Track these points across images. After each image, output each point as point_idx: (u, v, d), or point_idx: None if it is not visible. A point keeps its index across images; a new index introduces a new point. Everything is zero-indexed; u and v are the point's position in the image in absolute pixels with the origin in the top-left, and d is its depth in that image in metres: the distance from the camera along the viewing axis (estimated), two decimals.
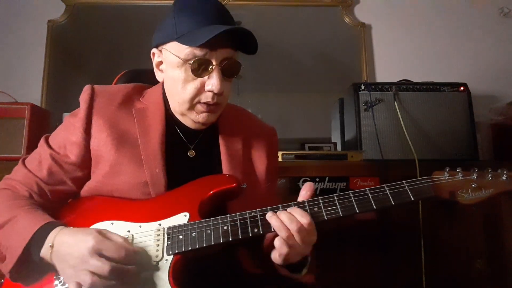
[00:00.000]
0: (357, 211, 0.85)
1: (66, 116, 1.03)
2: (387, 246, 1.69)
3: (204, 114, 0.98)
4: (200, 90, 0.94)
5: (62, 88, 2.31)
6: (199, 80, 0.93)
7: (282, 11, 2.50)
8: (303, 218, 0.83)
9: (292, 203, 0.88)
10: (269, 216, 0.84)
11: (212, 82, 0.92)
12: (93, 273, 0.76)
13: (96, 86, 1.03)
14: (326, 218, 0.85)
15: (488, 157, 2.16)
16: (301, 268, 0.91)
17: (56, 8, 2.40)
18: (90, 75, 2.38)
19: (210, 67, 0.92)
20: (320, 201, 0.86)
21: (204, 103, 0.96)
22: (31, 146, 1.77)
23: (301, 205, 0.86)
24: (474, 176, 0.86)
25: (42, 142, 1.01)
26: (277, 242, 0.83)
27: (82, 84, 1.05)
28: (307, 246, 0.85)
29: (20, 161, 1.00)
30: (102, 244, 0.79)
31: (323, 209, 0.86)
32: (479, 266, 1.70)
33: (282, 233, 0.82)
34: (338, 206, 0.86)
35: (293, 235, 0.82)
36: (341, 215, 0.85)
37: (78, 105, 1.02)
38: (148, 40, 1.06)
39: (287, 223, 0.82)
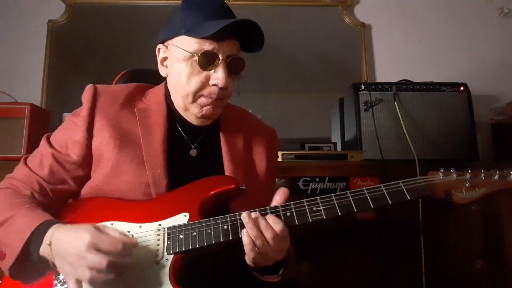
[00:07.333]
0: (355, 210, 0.85)
1: (68, 116, 1.03)
2: (388, 247, 1.69)
3: (208, 107, 0.98)
4: (205, 83, 0.95)
5: (62, 88, 2.32)
6: (204, 73, 0.95)
7: (282, 11, 2.50)
8: (276, 225, 0.82)
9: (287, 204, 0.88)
10: (246, 222, 0.82)
11: (218, 76, 0.93)
12: (91, 268, 0.76)
13: (98, 86, 1.03)
14: (325, 217, 0.85)
15: (488, 157, 2.16)
16: (278, 270, 0.90)
17: (56, 8, 2.41)
18: (90, 75, 2.38)
19: (216, 61, 0.94)
20: (319, 201, 0.87)
21: (208, 96, 0.96)
22: (31, 146, 1.77)
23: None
24: (468, 175, 0.89)
25: (43, 141, 1.00)
26: (247, 247, 0.83)
27: (82, 84, 1.05)
28: (279, 253, 0.84)
29: (22, 160, 1.00)
30: (99, 239, 0.78)
31: (321, 208, 0.86)
32: (479, 266, 1.70)
33: (258, 242, 0.81)
34: (336, 205, 0.86)
35: (268, 243, 0.81)
36: (339, 214, 0.85)
37: (78, 105, 1.02)
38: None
39: (263, 231, 0.81)
